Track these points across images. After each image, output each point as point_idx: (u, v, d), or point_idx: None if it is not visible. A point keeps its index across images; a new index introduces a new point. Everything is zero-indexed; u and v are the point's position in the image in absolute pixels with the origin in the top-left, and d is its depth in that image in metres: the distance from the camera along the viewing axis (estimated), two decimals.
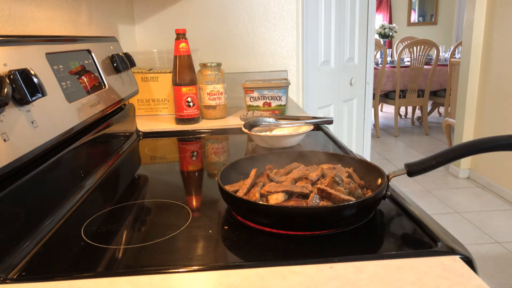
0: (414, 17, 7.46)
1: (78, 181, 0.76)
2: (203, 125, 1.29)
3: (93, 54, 0.92)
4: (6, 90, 0.52)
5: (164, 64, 1.58)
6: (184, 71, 1.25)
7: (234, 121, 1.32)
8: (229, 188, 0.67)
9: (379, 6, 7.36)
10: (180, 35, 1.23)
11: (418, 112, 5.56)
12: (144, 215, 0.67)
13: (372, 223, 0.61)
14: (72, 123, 0.72)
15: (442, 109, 5.78)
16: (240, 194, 0.64)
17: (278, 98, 1.29)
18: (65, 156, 0.71)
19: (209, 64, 1.31)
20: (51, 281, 0.48)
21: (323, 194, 0.61)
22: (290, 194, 0.64)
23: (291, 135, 1.02)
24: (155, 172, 0.93)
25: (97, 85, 0.90)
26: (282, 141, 1.02)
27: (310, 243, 0.55)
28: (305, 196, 0.63)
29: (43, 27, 0.87)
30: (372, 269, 0.48)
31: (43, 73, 0.67)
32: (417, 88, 4.51)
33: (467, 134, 3.20)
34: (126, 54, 1.09)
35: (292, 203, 0.62)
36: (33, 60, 0.65)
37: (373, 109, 4.57)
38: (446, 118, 3.73)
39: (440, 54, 4.82)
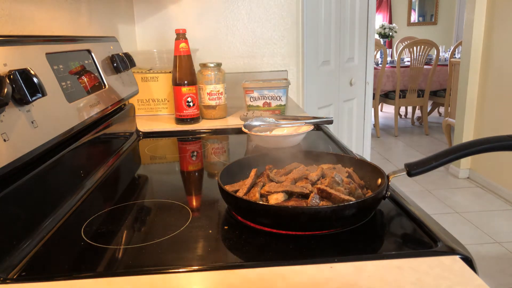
0: (414, 17, 7.46)
1: (78, 181, 0.76)
2: (203, 125, 1.29)
3: (93, 54, 0.92)
4: (6, 90, 0.52)
5: (164, 64, 1.58)
6: (184, 71, 1.25)
7: (234, 121, 1.32)
8: (229, 188, 0.67)
9: (379, 6, 7.36)
10: (180, 35, 1.23)
11: (418, 112, 5.56)
12: (144, 215, 0.67)
13: (372, 223, 0.61)
14: (72, 123, 0.72)
15: (442, 109, 5.78)
16: (240, 194, 0.64)
17: (278, 98, 1.29)
18: (65, 156, 0.71)
19: (209, 64, 1.31)
20: (51, 281, 0.48)
21: (323, 194, 0.61)
22: (290, 194, 0.64)
23: (291, 135, 1.02)
24: (155, 172, 0.93)
25: (97, 85, 0.90)
26: (282, 141, 1.02)
27: (310, 243, 0.55)
28: (305, 196, 0.63)
29: (43, 27, 0.87)
30: (372, 269, 0.48)
31: (43, 73, 0.67)
32: (417, 88, 4.50)
33: (467, 134, 3.20)
34: (126, 54, 1.09)
35: (292, 203, 0.62)
36: (33, 60, 0.65)
37: (373, 109, 4.57)
38: (446, 118, 3.73)
39: (440, 54, 4.82)
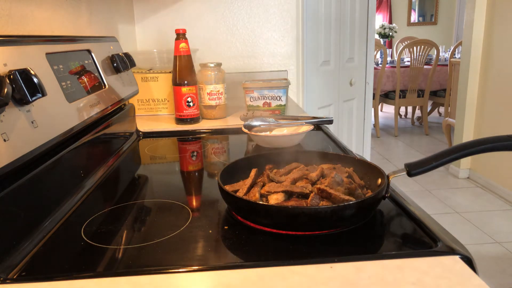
0: (414, 17, 7.46)
1: (78, 181, 0.76)
2: (203, 125, 1.29)
3: (93, 54, 0.92)
4: (6, 90, 0.52)
5: (164, 64, 1.58)
6: (184, 71, 1.25)
7: (234, 121, 1.32)
8: (229, 188, 0.67)
9: (379, 6, 7.36)
10: (180, 35, 1.23)
11: (418, 112, 5.56)
12: (144, 215, 0.67)
13: (372, 223, 0.61)
14: (72, 123, 0.72)
15: (442, 109, 5.78)
16: (240, 194, 0.64)
17: (278, 98, 1.29)
18: (65, 156, 0.71)
19: (209, 64, 1.31)
20: (51, 281, 0.48)
21: (323, 194, 0.61)
22: (290, 194, 0.64)
23: (291, 135, 1.02)
24: (155, 172, 0.93)
25: (97, 85, 0.90)
26: (282, 141, 1.02)
27: (310, 243, 0.55)
28: (305, 196, 0.63)
29: (43, 27, 0.87)
30: (372, 269, 0.48)
31: (43, 73, 0.67)
32: (417, 88, 4.50)
33: (467, 134, 3.20)
34: (126, 54, 1.09)
35: (292, 203, 0.62)
36: (33, 60, 0.65)
37: (373, 109, 4.57)
38: (446, 118, 3.73)
39: (440, 54, 4.82)
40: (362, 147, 2.60)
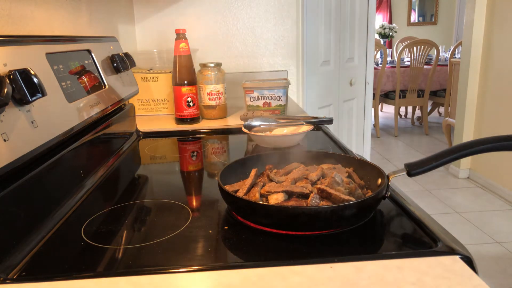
0: (414, 17, 7.46)
1: (78, 181, 0.76)
2: (203, 125, 1.29)
3: (93, 54, 0.92)
4: (6, 90, 0.52)
5: (164, 64, 1.58)
6: (184, 71, 1.25)
7: (234, 121, 1.32)
8: (229, 188, 0.67)
9: (379, 6, 7.36)
10: (180, 35, 1.23)
11: (418, 112, 5.56)
12: (144, 215, 0.67)
13: (372, 223, 0.61)
14: (72, 123, 0.72)
15: (442, 109, 5.78)
16: (240, 194, 0.64)
17: (278, 98, 1.29)
18: (65, 156, 0.71)
19: (209, 64, 1.31)
20: (51, 281, 0.48)
21: (323, 194, 0.61)
22: (290, 194, 0.64)
23: (291, 135, 1.02)
24: (155, 172, 0.93)
25: (97, 85, 0.90)
26: (282, 141, 1.02)
27: (310, 243, 0.55)
28: (305, 196, 0.63)
29: (43, 27, 0.87)
30: (372, 269, 0.48)
31: (43, 73, 0.67)
32: (417, 88, 4.50)
33: (467, 134, 3.20)
34: (126, 54, 1.09)
35: (292, 203, 0.62)
36: (33, 60, 0.65)
37: (373, 109, 4.57)
38: (446, 118, 3.73)
39: (440, 54, 4.82)
40: (362, 147, 2.60)
